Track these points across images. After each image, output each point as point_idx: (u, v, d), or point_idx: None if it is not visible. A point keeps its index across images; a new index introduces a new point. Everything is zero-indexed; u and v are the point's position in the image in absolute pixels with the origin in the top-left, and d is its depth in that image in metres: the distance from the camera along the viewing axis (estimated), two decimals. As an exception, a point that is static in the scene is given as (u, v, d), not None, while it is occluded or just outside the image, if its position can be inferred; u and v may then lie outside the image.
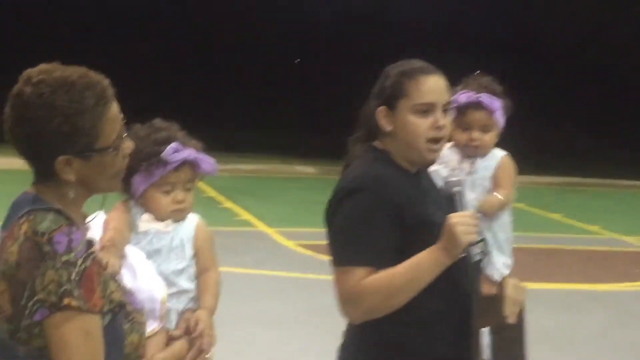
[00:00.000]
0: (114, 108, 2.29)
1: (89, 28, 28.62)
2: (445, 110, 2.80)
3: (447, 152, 3.24)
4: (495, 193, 3.36)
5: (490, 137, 3.19)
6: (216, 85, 30.57)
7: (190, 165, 2.83)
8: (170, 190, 2.83)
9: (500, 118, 3.20)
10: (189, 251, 2.82)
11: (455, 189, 2.79)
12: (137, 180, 2.79)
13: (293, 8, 29.34)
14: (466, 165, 3.21)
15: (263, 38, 31.27)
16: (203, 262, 2.84)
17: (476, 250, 2.76)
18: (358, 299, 2.68)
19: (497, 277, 3.13)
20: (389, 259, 2.71)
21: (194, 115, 28.54)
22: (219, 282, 2.85)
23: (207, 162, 2.88)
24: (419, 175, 2.91)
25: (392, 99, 2.81)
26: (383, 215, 2.72)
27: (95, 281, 2.18)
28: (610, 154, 22.43)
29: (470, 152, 3.21)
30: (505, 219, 3.25)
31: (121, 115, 2.32)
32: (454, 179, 2.82)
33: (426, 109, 2.78)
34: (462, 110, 3.17)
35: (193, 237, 2.85)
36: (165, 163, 2.80)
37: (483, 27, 28.52)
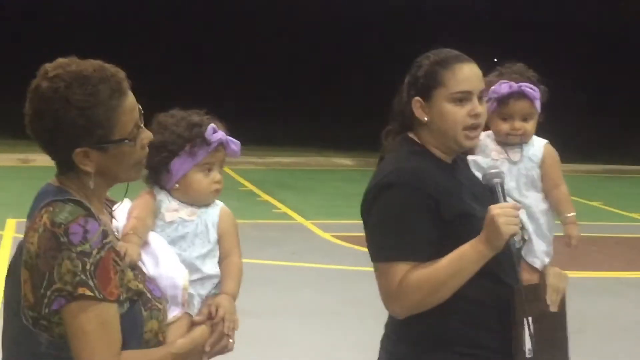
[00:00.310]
0: (130, 100, 2.35)
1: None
2: (480, 98, 2.78)
3: (486, 141, 3.20)
4: (565, 208, 3.34)
5: (532, 125, 3.14)
6: (254, 77, 30.64)
7: (222, 146, 2.86)
8: (209, 171, 2.84)
9: (539, 105, 3.14)
10: (213, 235, 2.83)
11: (496, 180, 2.77)
12: (178, 163, 2.80)
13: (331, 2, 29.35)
14: (512, 155, 3.15)
15: (303, 30, 31.31)
16: (226, 248, 2.86)
17: (517, 238, 2.74)
18: (402, 294, 2.67)
19: (538, 265, 3.07)
20: (429, 252, 2.69)
21: (232, 108, 28.70)
22: (241, 268, 2.87)
23: (235, 143, 2.91)
24: (456, 166, 2.88)
25: (427, 89, 2.78)
26: (420, 208, 2.70)
27: (111, 271, 2.25)
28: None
29: (514, 140, 3.16)
30: (545, 206, 3.20)
31: (138, 107, 2.37)
32: (494, 170, 2.80)
33: (462, 97, 2.75)
34: (504, 100, 3.12)
35: (217, 222, 2.87)
36: (208, 143, 2.82)
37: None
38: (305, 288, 8.51)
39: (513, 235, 2.65)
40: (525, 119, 3.11)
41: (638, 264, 9.63)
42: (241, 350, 6.71)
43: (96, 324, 2.22)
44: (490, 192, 2.77)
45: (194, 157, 2.81)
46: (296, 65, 31.68)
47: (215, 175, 2.86)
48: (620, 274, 9.22)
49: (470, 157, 3.06)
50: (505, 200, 2.73)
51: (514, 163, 3.11)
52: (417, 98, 2.79)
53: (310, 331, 7.13)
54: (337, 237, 10.96)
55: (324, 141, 22.90)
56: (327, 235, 11.26)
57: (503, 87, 3.09)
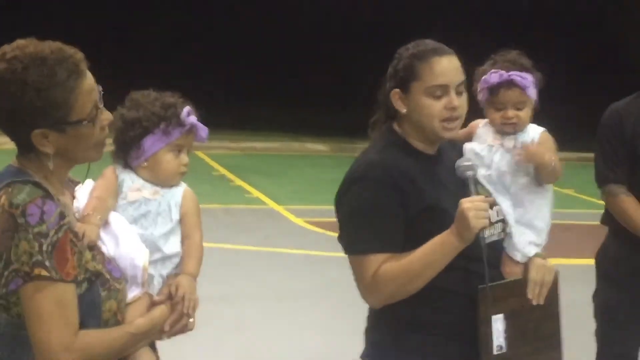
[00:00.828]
0: (88, 81, 2.36)
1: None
2: (459, 91, 2.81)
3: (484, 128, 3.13)
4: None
5: (526, 113, 3.07)
6: (228, 63, 30.52)
7: (194, 130, 2.85)
8: (179, 152, 2.86)
9: (532, 93, 3.07)
10: (175, 215, 2.82)
11: (468, 173, 2.82)
12: (151, 140, 2.81)
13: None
14: (506, 142, 3.06)
15: (276, 15, 31.19)
16: (188, 228, 2.86)
17: (496, 230, 2.82)
18: (377, 286, 2.75)
19: (519, 258, 2.96)
20: (402, 242, 2.76)
21: (206, 92, 28.57)
22: (202, 248, 2.87)
23: (204, 130, 2.92)
24: (439, 157, 2.92)
25: (405, 82, 2.83)
26: (389, 201, 2.76)
27: (68, 251, 2.28)
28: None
29: (508, 130, 3.08)
30: (539, 194, 3.07)
31: (98, 88, 2.39)
32: (466, 163, 2.84)
33: (439, 91, 2.79)
34: (495, 90, 3.05)
35: (181, 202, 2.86)
36: (182, 124, 2.83)
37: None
38: (276, 273, 8.50)
39: (482, 228, 2.71)
40: (518, 107, 3.06)
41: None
42: (212, 335, 6.75)
43: (53, 305, 2.24)
44: (463, 184, 2.80)
45: (168, 136, 2.82)
46: (272, 51, 31.58)
47: (184, 157, 2.87)
48: (591, 261, 9.23)
49: (466, 145, 3.06)
50: (477, 193, 2.77)
51: (508, 150, 3.04)
52: (396, 90, 2.85)
53: (280, 316, 7.12)
54: (310, 223, 10.95)
55: (299, 127, 22.89)
56: (299, 221, 11.25)
57: (493, 76, 3.04)
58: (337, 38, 30.90)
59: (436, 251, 2.74)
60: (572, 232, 10.33)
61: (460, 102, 2.83)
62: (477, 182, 2.84)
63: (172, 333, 2.69)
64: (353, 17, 30.51)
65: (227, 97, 27.36)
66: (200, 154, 18.49)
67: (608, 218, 4.39)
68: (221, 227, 10.68)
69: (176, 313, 2.67)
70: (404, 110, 2.85)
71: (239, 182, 14.62)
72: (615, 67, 27.57)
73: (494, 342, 2.79)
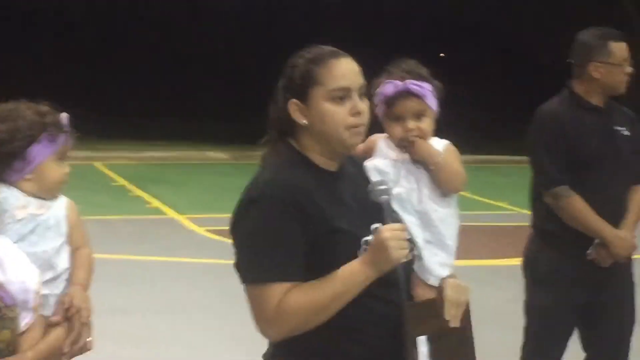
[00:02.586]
0: None
1: None
2: (361, 95, 2.61)
3: (384, 144, 2.97)
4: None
5: (427, 124, 2.91)
6: (127, 74, 30.14)
7: (70, 136, 2.82)
8: (60, 161, 2.81)
9: (432, 102, 2.92)
10: (64, 228, 2.79)
11: (384, 197, 2.57)
12: (37, 149, 2.72)
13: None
14: (407, 157, 2.89)
15: (175, 26, 30.95)
16: (76, 239, 2.82)
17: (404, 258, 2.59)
18: (280, 319, 2.51)
19: (432, 281, 2.80)
20: (303, 269, 2.53)
21: (104, 103, 28.13)
22: (92, 258, 2.81)
23: (73, 137, 2.88)
24: (341, 174, 2.69)
25: (303, 90, 2.60)
26: (289, 224, 2.51)
27: None
28: (518, 130, 22.80)
29: (407, 149, 2.92)
30: (449, 211, 2.92)
31: None
32: (382, 187, 2.59)
33: (342, 95, 2.58)
34: (391, 101, 2.90)
35: (66, 214, 2.82)
36: (63, 131, 2.78)
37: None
38: (178, 283, 8.43)
39: (402, 259, 2.52)
40: (418, 117, 2.90)
41: (503, 252, 9.87)
42: (114, 348, 6.66)
43: None
44: (377, 208, 2.57)
45: (53, 144, 2.75)
46: (169, 60, 31.30)
47: (66, 166, 2.82)
48: (487, 262, 9.43)
49: (369, 163, 2.89)
50: (392, 220, 2.56)
51: (415, 165, 2.88)
52: (294, 100, 2.61)
53: (183, 326, 7.07)
54: (211, 232, 10.89)
55: (199, 135, 22.73)
56: (200, 230, 11.18)
57: (388, 87, 2.90)
58: (235, 45, 30.82)
59: (346, 282, 2.50)
60: (468, 234, 10.49)
61: (364, 108, 2.62)
62: (391, 208, 2.62)
63: (72, 354, 2.63)
64: (247, 25, 30.46)
65: (125, 107, 27.03)
66: (98, 164, 18.21)
67: (542, 222, 4.43)
68: (121, 238, 10.55)
69: (75, 332, 2.61)
70: (304, 122, 2.61)
71: (139, 192, 14.45)
72: (501, 69, 28.17)
73: None
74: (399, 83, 2.91)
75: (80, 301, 2.65)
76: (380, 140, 2.98)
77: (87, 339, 2.66)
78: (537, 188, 4.45)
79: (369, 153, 2.97)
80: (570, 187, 4.25)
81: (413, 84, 2.89)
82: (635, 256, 4.47)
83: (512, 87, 28.03)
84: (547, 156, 4.31)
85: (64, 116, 2.78)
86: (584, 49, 4.34)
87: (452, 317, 2.64)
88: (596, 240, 4.25)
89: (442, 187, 2.89)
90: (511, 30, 28.24)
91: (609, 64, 4.28)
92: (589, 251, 4.26)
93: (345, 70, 2.61)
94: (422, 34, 27.95)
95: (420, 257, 2.79)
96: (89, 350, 2.68)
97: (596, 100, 4.35)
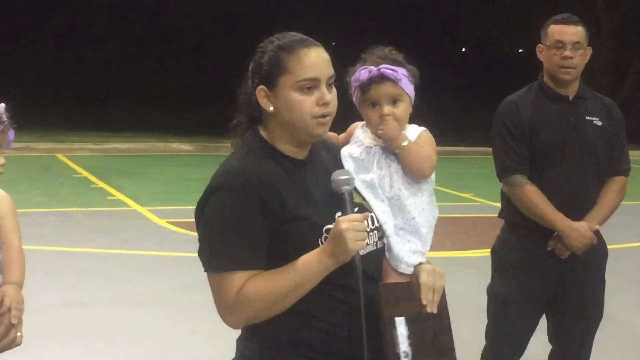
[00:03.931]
0: None
1: None
2: (330, 85, 2.58)
3: (360, 131, 2.91)
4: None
5: (403, 109, 2.85)
6: (89, 64, 29.94)
7: (6, 128, 2.71)
8: None
9: (407, 87, 2.86)
10: None
11: (345, 187, 2.56)
12: None
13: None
14: (381, 143, 2.83)
15: (140, 15, 30.77)
16: (5, 232, 2.75)
17: (372, 239, 2.63)
18: (239, 306, 2.51)
19: (402, 269, 2.74)
20: (264, 257, 2.53)
21: (69, 94, 27.95)
22: (22, 253, 2.75)
23: (11, 131, 2.83)
24: (308, 162, 2.68)
25: (271, 77, 2.57)
26: (250, 212, 2.50)
27: None
28: (484, 121, 22.91)
29: (382, 138, 2.85)
30: (422, 198, 2.85)
31: None
32: (343, 177, 2.58)
33: (310, 85, 2.55)
34: (366, 87, 2.85)
35: None
36: (2, 122, 2.73)
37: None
38: (137, 276, 8.33)
39: (360, 249, 2.51)
40: (394, 102, 2.85)
41: (467, 244, 9.88)
42: (74, 341, 6.54)
43: None
44: (338, 199, 2.58)
45: None
46: (133, 51, 31.11)
47: (1, 157, 2.79)
48: (451, 253, 9.42)
49: (344, 150, 2.85)
50: (352, 211, 2.54)
51: (388, 151, 2.82)
52: (262, 87, 2.59)
53: (144, 319, 6.97)
54: (173, 224, 10.80)
55: (163, 126, 22.62)
56: (162, 222, 11.07)
57: (362, 73, 2.85)
58: (199, 37, 30.67)
59: (306, 271, 2.51)
60: (436, 223, 10.46)
61: (332, 97, 2.59)
62: (352, 198, 2.58)
63: (0, 348, 2.58)
64: (213, 14, 30.33)
65: (87, 98, 26.82)
66: (60, 156, 18.04)
67: (505, 211, 4.40)
68: (81, 230, 10.43)
69: (3, 326, 2.55)
70: (270, 109, 2.59)
71: (101, 184, 14.31)
72: (467, 61, 28.27)
73: (400, 347, 2.58)
74: (373, 68, 2.86)
75: (11, 301, 2.57)
76: (357, 128, 2.94)
77: (17, 334, 2.58)
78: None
79: (349, 141, 2.93)
80: (534, 177, 4.21)
81: (387, 68, 2.84)
82: (612, 246, 4.45)
83: (478, 78, 28.14)
84: (502, 145, 4.28)
85: (3, 106, 2.67)
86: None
87: (429, 302, 2.64)
88: (556, 232, 4.20)
89: (408, 171, 2.83)
90: (480, 22, 28.32)
91: (546, 46, 4.26)
92: (549, 242, 4.22)
93: (315, 60, 2.57)
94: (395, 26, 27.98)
95: (390, 246, 2.74)
96: (18, 345, 2.62)
97: (565, 89, 4.28)
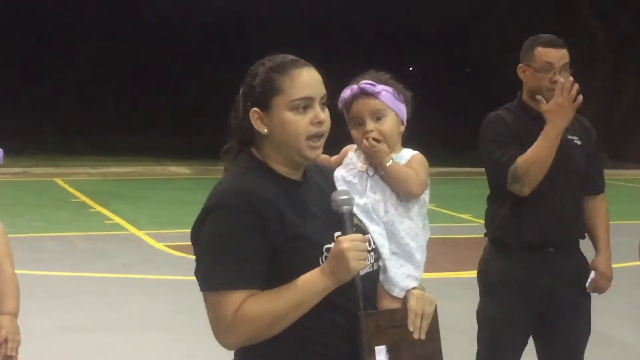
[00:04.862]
0: None
1: None
2: (323, 104, 2.58)
3: (353, 154, 2.88)
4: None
5: (388, 126, 2.81)
6: (86, 89, 29.96)
7: None
8: None
9: (391, 102, 2.82)
10: None
11: (345, 208, 2.54)
12: None
13: (160, 8, 28.90)
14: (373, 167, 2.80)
15: (135, 41, 30.82)
16: None
17: (368, 260, 2.59)
18: (237, 327, 2.47)
19: (396, 293, 2.72)
20: (263, 277, 2.49)
21: (66, 119, 27.92)
22: (16, 280, 2.71)
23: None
24: (304, 183, 2.67)
25: (264, 98, 2.56)
26: (249, 231, 2.48)
27: None
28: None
29: (370, 155, 2.81)
30: (416, 223, 2.82)
31: None
32: (343, 197, 2.56)
33: (304, 105, 2.55)
34: (348, 105, 2.83)
35: None
36: None
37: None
38: (136, 300, 8.31)
39: (361, 269, 2.49)
40: (378, 118, 2.81)
41: (465, 265, 9.85)
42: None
43: None
44: (338, 219, 2.55)
45: None
46: (132, 73, 31.14)
47: None
48: (449, 274, 9.40)
49: (336, 173, 2.82)
50: (352, 230, 2.53)
51: (380, 175, 2.79)
52: (255, 109, 2.57)
53: (140, 343, 6.95)
54: (171, 247, 10.78)
55: (161, 150, 22.62)
56: (160, 245, 11.05)
57: (345, 92, 2.84)
58: (197, 62, 30.72)
59: (305, 291, 2.48)
60: (431, 246, 10.43)
61: (325, 117, 2.58)
62: (352, 218, 2.57)
63: None
64: (207, 38, 30.39)
65: (86, 123, 26.82)
66: (59, 181, 18.03)
67: (488, 229, 4.38)
68: (79, 254, 10.41)
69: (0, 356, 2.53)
70: (264, 131, 2.57)
71: (99, 208, 14.30)
72: (466, 84, 28.30)
73: None
74: (354, 86, 2.85)
75: (8, 332, 2.56)
76: (350, 151, 2.91)
77: None
78: (491, 195, 4.40)
79: (342, 163, 2.90)
80: (514, 195, 4.16)
81: (366, 83, 2.82)
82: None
83: (472, 97, 28.15)
84: (493, 144, 4.22)
85: None
86: (521, 53, 4.32)
87: (416, 328, 2.61)
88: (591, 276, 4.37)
89: (395, 191, 2.80)
90: (479, 42, 28.39)
91: (531, 68, 4.24)
92: (587, 286, 4.37)
93: (308, 79, 2.57)
94: (388, 46, 28.04)
95: (385, 268, 2.71)
96: None
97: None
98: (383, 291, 2.71)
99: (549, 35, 4.31)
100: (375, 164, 2.80)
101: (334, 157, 2.90)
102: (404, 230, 2.76)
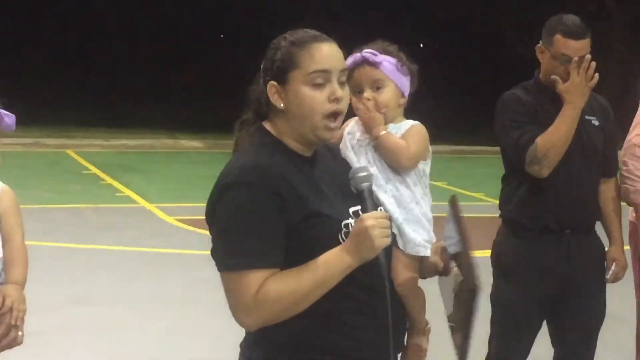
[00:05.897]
0: None
1: None
2: (341, 82, 2.55)
3: (353, 123, 2.86)
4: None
5: (386, 95, 2.80)
6: (100, 60, 29.97)
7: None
8: None
9: (392, 73, 2.81)
10: None
11: (365, 184, 2.52)
12: None
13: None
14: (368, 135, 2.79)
15: (149, 13, 30.79)
16: (7, 228, 2.75)
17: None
18: (259, 307, 2.43)
19: (422, 252, 2.73)
20: (282, 256, 2.46)
21: (79, 91, 27.95)
22: (25, 251, 2.71)
23: (10, 117, 2.73)
24: (316, 159, 2.63)
25: (283, 72, 2.53)
26: (267, 209, 2.44)
27: None
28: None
29: (364, 123, 2.82)
30: (416, 191, 2.80)
31: None
32: (362, 173, 2.54)
33: (321, 79, 2.51)
34: (350, 74, 2.78)
35: None
36: None
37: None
38: (145, 273, 8.30)
39: (385, 246, 2.47)
40: (377, 88, 2.81)
41: (477, 244, 9.74)
42: (78, 339, 6.49)
43: None
44: (358, 196, 2.53)
45: None
46: (143, 48, 31.12)
47: None
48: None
49: (341, 146, 2.80)
50: (374, 207, 2.51)
51: (374, 145, 2.77)
52: (273, 82, 2.55)
53: (152, 317, 6.94)
54: (181, 221, 10.75)
55: (173, 123, 22.59)
56: (170, 219, 11.02)
57: (349, 60, 2.80)
58: (210, 35, 30.67)
59: (327, 270, 2.44)
60: (443, 225, 10.39)
61: (344, 94, 2.55)
62: (372, 195, 2.55)
63: (1, 348, 2.54)
64: (224, 13, 30.30)
65: (98, 94, 26.83)
66: (70, 152, 18.03)
67: (503, 209, 4.30)
68: (90, 227, 10.40)
69: (3, 326, 2.51)
70: (281, 105, 2.54)
71: (110, 180, 14.28)
72: (479, 65, 28.17)
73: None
74: (357, 54, 2.84)
75: (13, 301, 2.53)
76: (352, 121, 2.88)
77: (18, 333, 2.55)
78: (506, 175, 4.33)
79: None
80: (535, 179, 4.09)
81: (368, 53, 2.82)
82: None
83: (487, 76, 28.02)
84: (512, 125, 4.13)
85: None
86: (543, 31, 4.20)
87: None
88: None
89: (385, 161, 2.79)
90: (495, 22, 28.21)
91: (549, 52, 4.13)
92: (607, 277, 4.33)
93: (327, 53, 2.54)
94: (403, 24, 27.90)
95: (402, 232, 2.70)
96: (19, 344, 2.58)
97: None
98: (399, 257, 2.69)
99: (573, 21, 4.13)
100: (368, 132, 2.80)
101: (339, 131, 2.82)
102: (407, 196, 2.76)
